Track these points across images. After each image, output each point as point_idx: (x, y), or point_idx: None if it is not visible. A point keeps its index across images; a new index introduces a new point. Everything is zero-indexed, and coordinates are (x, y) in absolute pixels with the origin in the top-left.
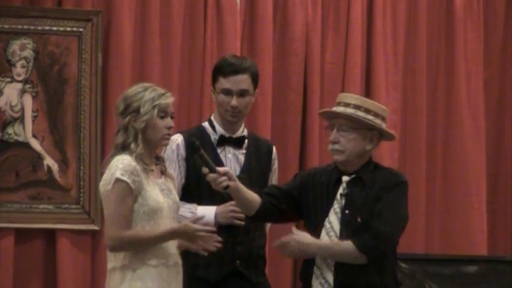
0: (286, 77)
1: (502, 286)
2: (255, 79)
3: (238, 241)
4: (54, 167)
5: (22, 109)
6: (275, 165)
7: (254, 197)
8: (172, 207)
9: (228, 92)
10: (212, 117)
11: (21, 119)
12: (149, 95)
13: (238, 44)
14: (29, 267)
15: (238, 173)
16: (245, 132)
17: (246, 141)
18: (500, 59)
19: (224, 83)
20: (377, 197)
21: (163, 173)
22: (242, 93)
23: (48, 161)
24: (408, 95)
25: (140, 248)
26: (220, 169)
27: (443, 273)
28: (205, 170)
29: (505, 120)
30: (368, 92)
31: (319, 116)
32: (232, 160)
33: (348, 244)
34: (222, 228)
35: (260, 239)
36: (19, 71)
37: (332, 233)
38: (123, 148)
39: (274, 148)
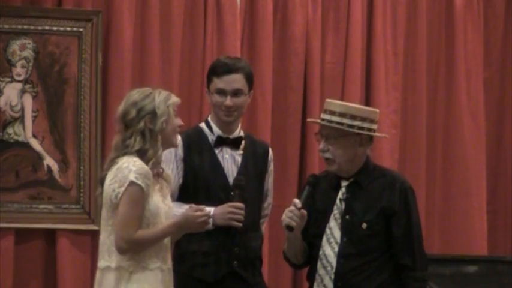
0: (286, 77)
1: (502, 286)
2: (249, 79)
3: (235, 242)
4: (54, 167)
5: (22, 109)
6: (271, 166)
7: (305, 246)
8: (168, 213)
9: (222, 92)
10: (209, 118)
11: (21, 119)
12: (160, 96)
13: (238, 44)
14: (29, 267)
15: (235, 174)
16: (241, 133)
17: (243, 142)
18: (500, 59)
19: (218, 83)
20: (391, 209)
21: (159, 175)
22: (236, 93)
23: (48, 161)
24: (408, 95)
25: (148, 247)
26: (303, 211)
27: (443, 273)
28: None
29: (505, 120)
30: (368, 92)
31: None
32: (229, 161)
33: None
34: (220, 229)
35: (257, 240)
36: (19, 71)
37: (332, 240)
38: (136, 153)
39: (270, 149)
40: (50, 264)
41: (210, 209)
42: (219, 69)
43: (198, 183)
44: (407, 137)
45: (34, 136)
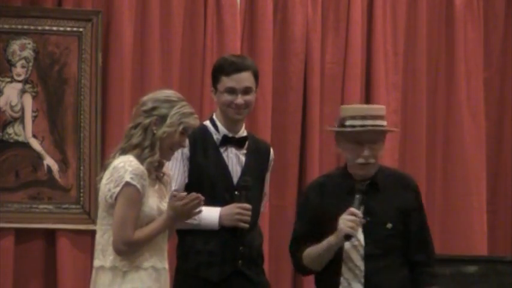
0: (286, 77)
1: (502, 286)
2: (256, 76)
3: (241, 242)
4: (54, 167)
5: (22, 109)
6: (271, 166)
7: None
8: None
9: (232, 91)
10: (214, 117)
11: (21, 119)
12: (180, 109)
13: (238, 44)
14: (29, 267)
15: (239, 173)
16: (245, 133)
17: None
18: (500, 59)
19: (227, 81)
20: (408, 207)
21: (158, 179)
22: (246, 91)
23: (48, 161)
24: (408, 95)
25: (146, 245)
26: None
27: (443, 273)
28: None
29: (505, 120)
30: (368, 92)
31: (351, 133)
32: (233, 160)
33: None
34: (225, 228)
35: (259, 238)
36: (19, 71)
37: (356, 242)
38: (135, 148)
39: (271, 149)
40: (50, 264)
41: (217, 209)
42: (227, 68)
43: (203, 182)
44: (407, 137)
45: (34, 136)
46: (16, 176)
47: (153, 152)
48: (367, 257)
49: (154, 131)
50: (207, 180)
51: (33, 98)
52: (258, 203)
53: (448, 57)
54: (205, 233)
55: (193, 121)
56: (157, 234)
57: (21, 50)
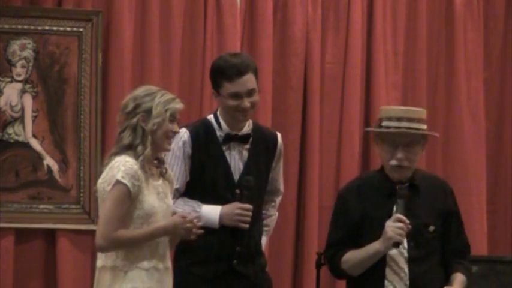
0: (286, 77)
1: (502, 286)
2: (257, 75)
3: (239, 242)
4: (54, 167)
5: (22, 109)
6: (281, 156)
7: None
8: (166, 212)
9: (237, 96)
10: (218, 113)
11: (21, 119)
12: (161, 97)
13: (238, 44)
14: (29, 267)
15: (242, 169)
16: (250, 126)
17: (252, 136)
18: (500, 59)
19: (231, 87)
20: (448, 211)
21: (162, 175)
22: (250, 93)
23: (48, 161)
24: (408, 95)
25: (130, 247)
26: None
27: None
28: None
29: (505, 120)
30: (368, 92)
31: (387, 134)
32: (236, 157)
33: (462, 277)
34: (225, 227)
35: (257, 235)
36: (19, 71)
37: (400, 245)
38: (128, 148)
39: (279, 138)
40: (50, 264)
41: (218, 208)
42: (229, 73)
43: (205, 180)
44: None
45: (34, 136)
46: (16, 176)
47: (144, 146)
48: (411, 260)
49: (144, 127)
50: (208, 178)
51: (33, 98)
52: (260, 196)
53: (448, 57)
54: (204, 230)
55: (178, 105)
56: (145, 241)
57: (21, 50)
